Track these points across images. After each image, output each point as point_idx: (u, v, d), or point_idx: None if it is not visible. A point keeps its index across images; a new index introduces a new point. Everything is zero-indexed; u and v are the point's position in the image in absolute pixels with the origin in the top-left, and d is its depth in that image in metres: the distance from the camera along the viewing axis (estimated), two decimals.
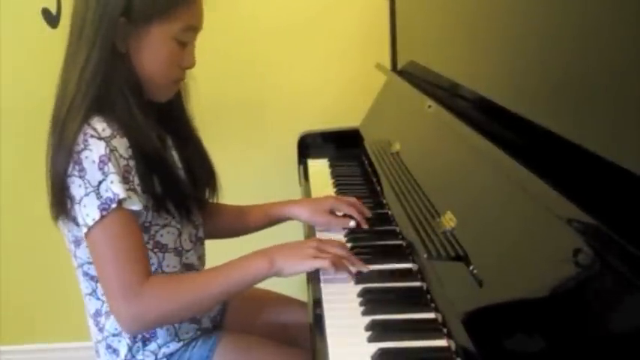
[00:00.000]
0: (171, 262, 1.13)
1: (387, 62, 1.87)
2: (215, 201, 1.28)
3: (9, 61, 1.98)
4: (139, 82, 1.07)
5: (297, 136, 1.88)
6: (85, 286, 1.11)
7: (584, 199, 0.68)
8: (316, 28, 2.01)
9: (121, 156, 1.00)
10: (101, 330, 1.12)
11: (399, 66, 1.85)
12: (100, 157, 0.98)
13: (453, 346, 0.84)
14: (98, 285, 1.09)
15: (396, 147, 1.46)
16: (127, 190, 1.00)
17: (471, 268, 0.87)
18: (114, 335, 1.11)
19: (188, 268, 1.17)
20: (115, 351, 1.12)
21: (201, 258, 1.24)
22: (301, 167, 1.81)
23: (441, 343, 0.87)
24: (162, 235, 1.11)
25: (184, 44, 1.09)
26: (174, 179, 1.11)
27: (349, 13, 2.00)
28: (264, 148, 2.09)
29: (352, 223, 1.28)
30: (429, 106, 1.32)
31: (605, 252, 0.62)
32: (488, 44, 1.11)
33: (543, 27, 0.87)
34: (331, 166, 1.76)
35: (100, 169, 0.98)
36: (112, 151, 0.99)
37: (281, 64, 2.04)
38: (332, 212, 1.31)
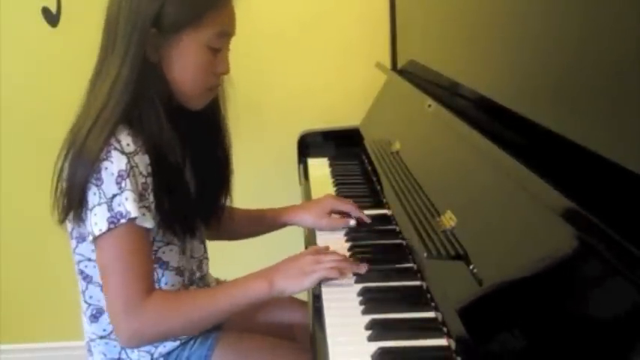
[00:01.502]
0: (170, 280, 1.12)
1: (387, 61, 1.88)
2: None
3: (9, 60, 1.98)
4: (171, 92, 1.07)
5: (297, 135, 1.88)
6: (80, 284, 1.11)
7: (584, 199, 0.68)
8: (317, 28, 2.01)
9: (140, 173, 1.00)
10: (91, 330, 1.12)
11: (399, 65, 1.85)
12: (119, 172, 0.98)
13: (453, 345, 0.84)
14: (89, 286, 1.09)
15: (396, 146, 1.46)
16: (141, 207, 1.00)
17: (471, 267, 0.87)
18: (101, 338, 1.11)
19: (188, 287, 1.18)
20: (105, 352, 1.12)
21: (205, 277, 1.25)
22: (301, 166, 1.81)
23: (441, 342, 0.87)
24: (164, 253, 1.11)
25: (217, 50, 1.08)
26: (186, 199, 1.11)
27: (349, 13, 1.99)
28: (264, 147, 2.09)
29: (352, 222, 1.30)
30: (429, 105, 1.32)
31: (606, 251, 0.62)
32: (488, 43, 1.11)
33: (543, 26, 0.87)
34: (331, 165, 1.76)
35: (118, 183, 0.98)
36: (132, 167, 0.99)
37: (281, 64, 2.04)
38: (332, 212, 1.32)
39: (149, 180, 1.02)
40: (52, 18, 1.94)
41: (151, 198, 1.02)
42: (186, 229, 1.11)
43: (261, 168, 2.10)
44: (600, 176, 0.72)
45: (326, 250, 1.12)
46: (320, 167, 1.76)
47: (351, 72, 2.03)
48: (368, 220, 1.31)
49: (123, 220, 0.97)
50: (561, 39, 0.82)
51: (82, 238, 1.06)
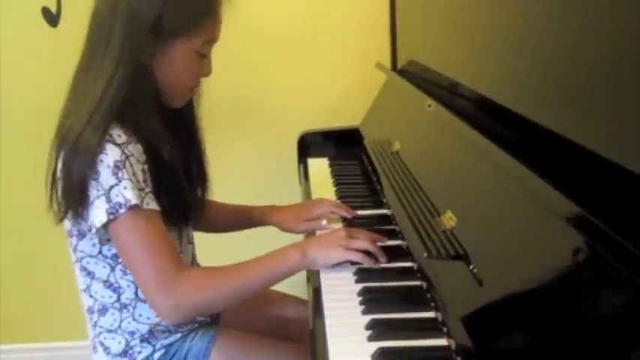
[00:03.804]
0: None
1: (387, 61, 1.88)
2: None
3: (9, 60, 1.98)
4: (159, 91, 1.10)
5: (297, 135, 1.88)
6: (81, 281, 1.12)
7: (584, 198, 0.68)
8: (316, 28, 2.01)
9: (137, 161, 1.02)
10: (94, 326, 1.13)
11: (399, 65, 1.85)
12: (115, 162, 0.99)
13: (453, 345, 0.84)
14: (93, 282, 1.10)
15: (396, 146, 1.46)
16: (144, 195, 1.02)
17: (470, 267, 0.87)
18: (109, 332, 1.12)
19: None
20: (109, 347, 1.12)
21: (194, 259, 1.27)
22: (301, 166, 1.81)
23: (441, 342, 0.87)
24: None
25: (204, 55, 1.12)
26: (182, 189, 1.13)
27: (349, 13, 2.00)
28: (264, 147, 2.09)
29: (324, 222, 1.30)
30: (429, 105, 1.32)
31: (605, 251, 0.62)
32: (488, 43, 1.12)
33: (543, 26, 0.87)
34: (331, 165, 1.76)
35: (114, 174, 0.99)
36: (127, 157, 1.01)
37: (281, 64, 2.04)
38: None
39: (146, 167, 1.04)
40: (52, 18, 1.94)
41: (150, 184, 1.04)
42: (182, 218, 1.14)
43: (261, 168, 2.10)
44: (600, 176, 0.72)
45: (360, 231, 1.14)
46: (320, 167, 1.76)
47: (351, 72, 2.03)
48: (350, 216, 1.31)
49: (122, 210, 0.99)
50: (561, 39, 0.82)
51: (82, 235, 1.07)
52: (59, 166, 1.04)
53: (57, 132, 1.06)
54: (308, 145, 1.88)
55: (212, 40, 1.12)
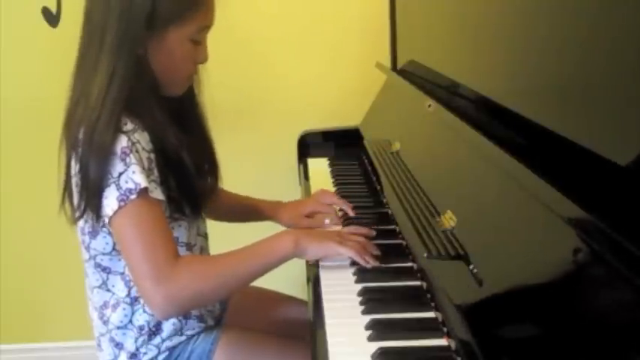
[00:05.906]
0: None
1: (387, 61, 1.87)
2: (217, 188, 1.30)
3: (9, 60, 1.98)
4: (156, 80, 1.09)
5: (297, 135, 1.88)
6: (95, 278, 1.12)
7: (584, 199, 0.68)
8: (317, 28, 2.01)
9: (143, 148, 1.03)
10: (106, 323, 1.13)
11: (399, 65, 1.85)
12: (122, 149, 1.00)
13: (453, 346, 0.84)
14: (110, 276, 1.11)
15: (396, 146, 1.46)
16: (151, 181, 1.02)
17: (470, 267, 0.87)
18: (118, 328, 1.12)
19: None
20: (119, 344, 1.13)
21: (203, 252, 1.26)
22: (301, 166, 1.81)
23: (441, 342, 0.87)
24: (173, 229, 1.12)
25: (198, 42, 1.12)
26: (190, 179, 1.13)
27: (349, 12, 2.00)
28: (264, 147, 2.09)
29: (327, 221, 1.32)
30: (429, 105, 1.32)
31: (605, 251, 0.62)
32: (488, 43, 1.12)
33: (544, 26, 0.87)
34: (331, 165, 1.76)
35: (122, 160, 1.00)
36: (134, 143, 1.01)
37: (281, 63, 2.04)
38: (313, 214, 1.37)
39: (152, 156, 1.04)
40: (52, 18, 1.94)
41: (156, 173, 1.04)
42: (193, 207, 1.14)
43: (261, 168, 2.10)
44: (600, 176, 0.72)
45: (350, 230, 1.18)
46: (320, 167, 1.76)
47: (352, 72, 2.03)
48: (352, 214, 1.33)
49: (133, 196, 0.99)
50: (561, 39, 0.82)
51: (95, 233, 1.08)
52: (75, 165, 1.04)
53: (65, 133, 1.07)
54: (308, 145, 1.88)
55: (206, 26, 1.12)
